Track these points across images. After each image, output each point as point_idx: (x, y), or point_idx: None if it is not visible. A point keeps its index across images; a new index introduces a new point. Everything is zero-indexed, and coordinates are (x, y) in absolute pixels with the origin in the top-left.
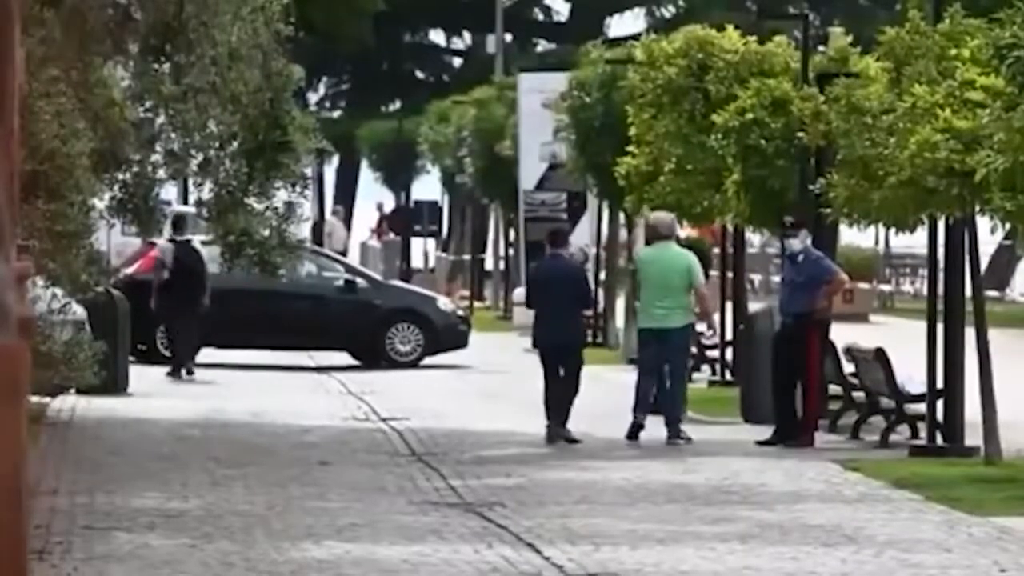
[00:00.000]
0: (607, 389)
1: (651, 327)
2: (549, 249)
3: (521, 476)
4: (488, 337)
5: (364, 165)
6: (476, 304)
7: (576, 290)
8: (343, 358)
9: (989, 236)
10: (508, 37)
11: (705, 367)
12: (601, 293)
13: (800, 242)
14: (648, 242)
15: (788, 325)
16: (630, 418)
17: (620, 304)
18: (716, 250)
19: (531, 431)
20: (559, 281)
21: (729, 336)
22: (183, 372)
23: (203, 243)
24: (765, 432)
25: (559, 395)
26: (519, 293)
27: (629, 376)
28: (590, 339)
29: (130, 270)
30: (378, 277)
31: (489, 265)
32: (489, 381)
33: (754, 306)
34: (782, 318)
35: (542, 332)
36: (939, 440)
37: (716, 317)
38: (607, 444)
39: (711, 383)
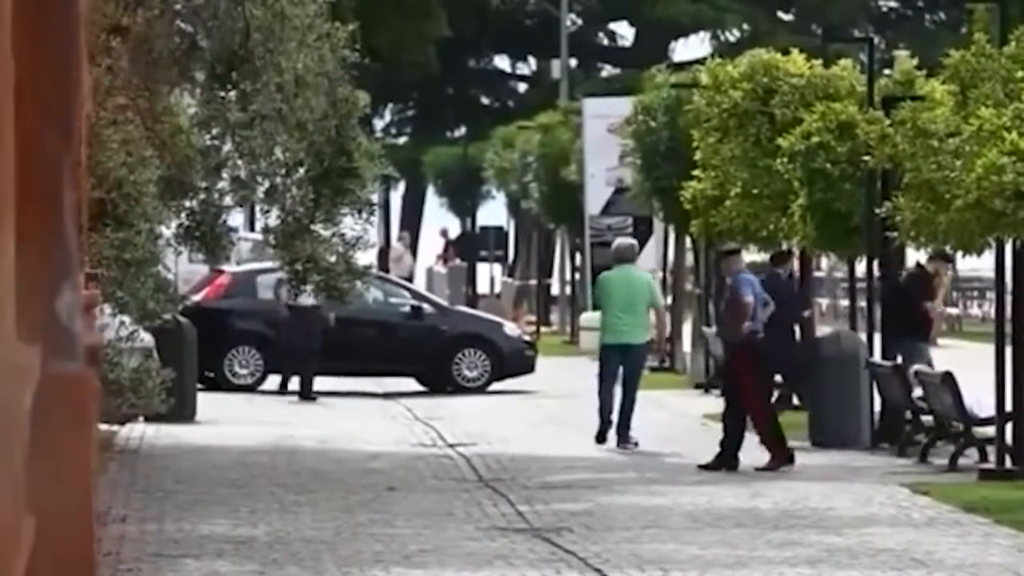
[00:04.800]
0: (673, 413)
1: (615, 343)
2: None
3: (588, 501)
4: (555, 362)
5: (430, 191)
6: (543, 329)
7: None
8: (410, 384)
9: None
10: (573, 62)
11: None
12: (668, 318)
13: (735, 269)
14: (611, 265)
15: (728, 350)
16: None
17: (687, 329)
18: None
19: (598, 456)
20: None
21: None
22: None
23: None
24: (833, 456)
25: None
26: (586, 317)
27: (697, 400)
28: (658, 364)
29: (198, 297)
30: (444, 303)
31: (555, 290)
32: (556, 406)
33: (822, 330)
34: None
35: None
36: (1008, 463)
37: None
38: (675, 468)
39: (779, 407)
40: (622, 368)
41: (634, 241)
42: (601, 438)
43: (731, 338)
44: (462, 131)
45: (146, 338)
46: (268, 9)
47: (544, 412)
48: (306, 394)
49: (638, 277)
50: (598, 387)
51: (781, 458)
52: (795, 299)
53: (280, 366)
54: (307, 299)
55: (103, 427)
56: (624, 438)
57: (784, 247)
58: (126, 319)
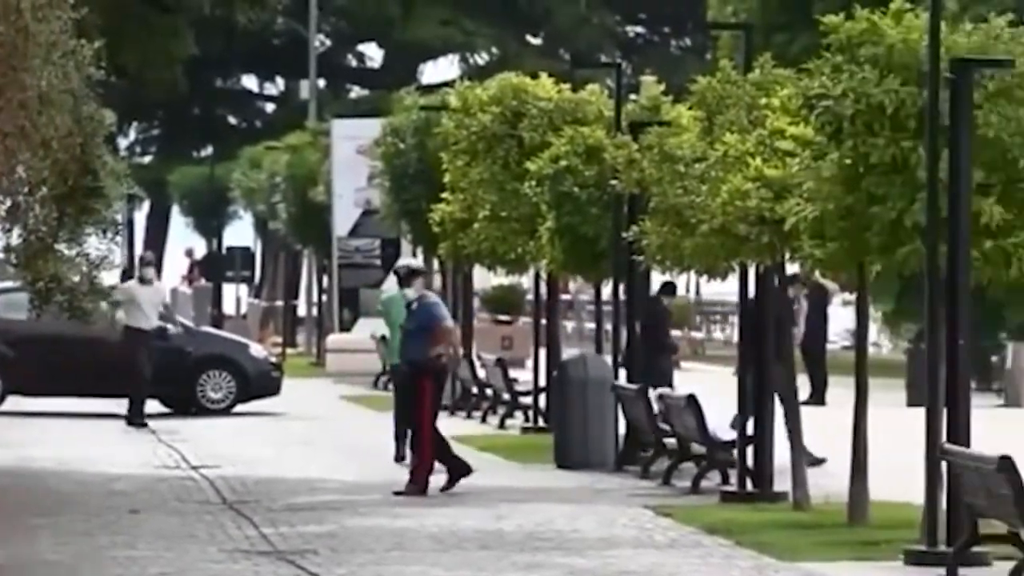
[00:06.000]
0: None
1: (399, 361)
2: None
3: (334, 523)
4: (301, 383)
5: (175, 211)
6: (289, 351)
7: None
8: (154, 405)
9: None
10: (322, 83)
11: (518, 413)
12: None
13: (415, 291)
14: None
15: (405, 373)
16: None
17: None
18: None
19: (344, 478)
20: None
21: (543, 383)
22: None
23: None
24: (578, 478)
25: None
26: (333, 339)
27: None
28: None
29: None
30: (189, 323)
31: (302, 311)
32: (302, 428)
33: (567, 353)
34: (401, 365)
35: None
36: (749, 486)
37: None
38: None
39: (524, 429)
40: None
41: (419, 263)
42: (399, 458)
43: (417, 357)
44: (209, 151)
45: None
46: (11, 25)
47: (290, 434)
48: (135, 418)
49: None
50: (394, 409)
51: (421, 486)
52: (666, 325)
53: (17, 386)
54: (138, 323)
55: None
56: (403, 454)
57: (671, 279)
58: None
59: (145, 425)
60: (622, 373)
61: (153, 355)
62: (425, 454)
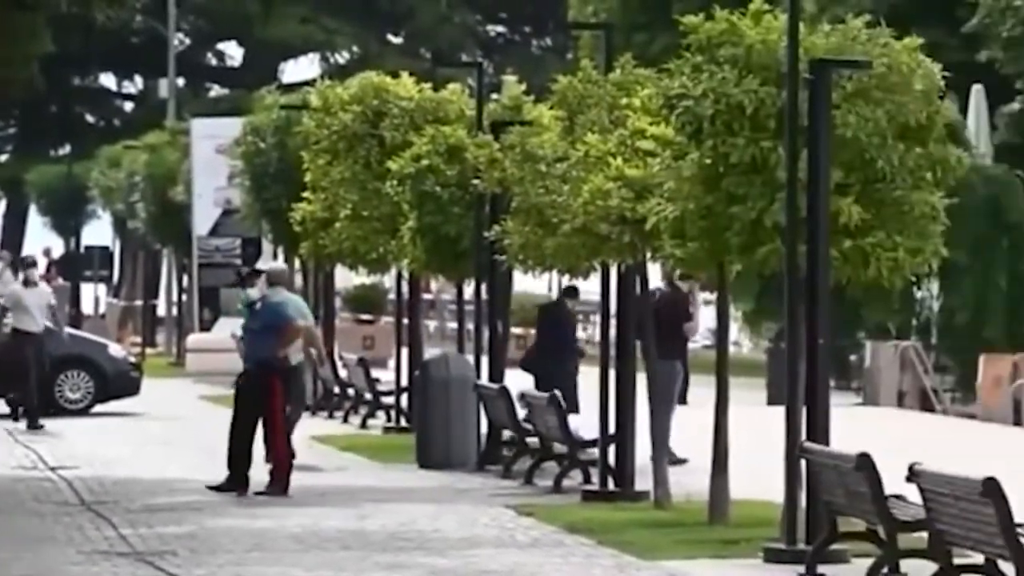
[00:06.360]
0: None
1: None
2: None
3: (194, 524)
4: (161, 383)
5: (32, 210)
6: (148, 350)
7: None
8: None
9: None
10: (181, 82)
11: (380, 413)
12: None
13: (258, 291)
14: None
15: (251, 373)
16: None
17: None
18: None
19: (204, 478)
20: None
21: (405, 382)
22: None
23: None
24: (440, 478)
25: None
26: (193, 339)
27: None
28: None
29: None
30: (49, 323)
31: (162, 311)
32: (161, 428)
33: (429, 352)
34: (245, 365)
35: None
36: (611, 485)
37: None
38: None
39: (386, 429)
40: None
41: (285, 266)
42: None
43: (264, 356)
44: (67, 149)
45: None
46: None
47: (149, 434)
48: (33, 423)
49: (288, 300)
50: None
51: (282, 485)
52: (572, 329)
53: None
54: (26, 326)
55: None
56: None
57: (573, 282)
58: None
59: (41, 427)
60: (484, 371)
61: (43, 357)
62: (280, 453)
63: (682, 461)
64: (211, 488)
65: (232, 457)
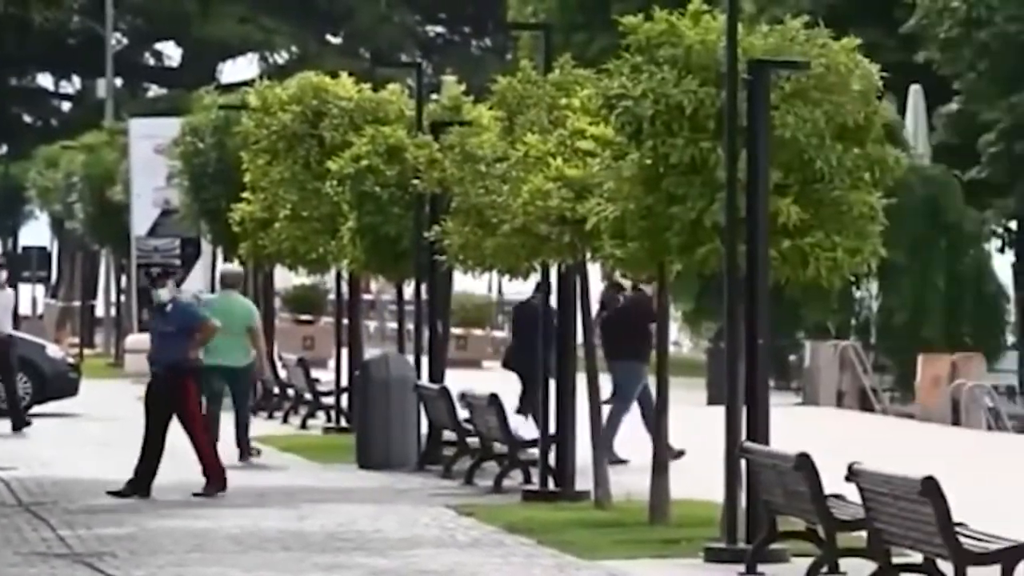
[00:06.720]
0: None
1: (218, 364)
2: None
3: (133, 525)
4: (99, 384)
5: None
6: (87, 351)
7: None
8: None
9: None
10: (119, 82)
11: (320, 413)
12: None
13: (168, 292)
14: (213, 289)
15: (160, 376)
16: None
17: None
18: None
19: None
20: None
21: (345, 383)
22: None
23: None
24: (381, 478)
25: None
26: (132, 340)
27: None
28: None
29: None
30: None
31: (100, 312)
32: (100, 429)
33: (369, 352)
34: (154, 369)
35: None
36: (551, 485)
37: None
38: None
39: (326, 430)
40: (229, 389)
41: (240, 269)
42: (243, 457)
43: (177, 359)
44: (3, 149)
45: None
46: None
47: (88, 435)
48: (18, 424)
49: (238, 303)
50: (205, 409)
51: (219, 483)
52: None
53: None
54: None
55: None
56: (249, 451)
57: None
58: None
59: (29, 424)
60: (424, 372)
61: (12, 362)
62: (206, 452)
63: (623, 462)
64: (111, 493)
65: (141, 463)
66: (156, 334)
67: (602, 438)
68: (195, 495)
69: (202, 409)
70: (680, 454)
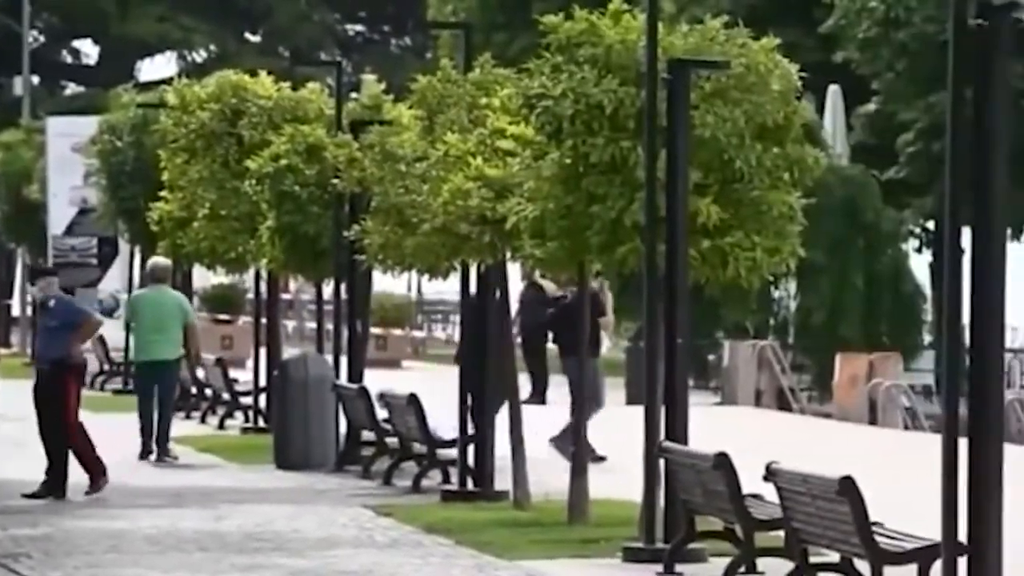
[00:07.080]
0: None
1: (147, 360)
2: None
3: (49, 526)
4: (14, 384)
5: None
6: (2, 350)
7: None
8: None
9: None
10: (36, 80)
11: (238, 413)
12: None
13: (43, 289)
14: (144, 284)
15: (45, 372)
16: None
17: None
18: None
19: None
20: None
21: (263, 383)
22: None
23: None
24: (299, 479)
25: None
26: None
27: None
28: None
29: None
30: None
31: (16, 311)
32: (15, 429)
33: (288, 352)
34: (38, 366)
35: None
36: (470, 485)
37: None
38: (136, 492)
39: (244, 430)
40: (157, 385)
41: (169, 262)
42: (145, 454)
43: (60, 355)
44: None
45: None
46: None
47: (2, 435)
48: None
49: (170, 297)
50: (137, 405)
51: (101, 479)
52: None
53: None
54: None
55: None
56: (164, 452)
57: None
58: None
59: None
60: (343, 371)
61: None
62: (80, 449)
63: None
64: (26, 496)
65: (50, 466)
66: (40, 330)
67: (579, 436)
68: (87, 494)
69: (78, 407)
70: (601, 459)
